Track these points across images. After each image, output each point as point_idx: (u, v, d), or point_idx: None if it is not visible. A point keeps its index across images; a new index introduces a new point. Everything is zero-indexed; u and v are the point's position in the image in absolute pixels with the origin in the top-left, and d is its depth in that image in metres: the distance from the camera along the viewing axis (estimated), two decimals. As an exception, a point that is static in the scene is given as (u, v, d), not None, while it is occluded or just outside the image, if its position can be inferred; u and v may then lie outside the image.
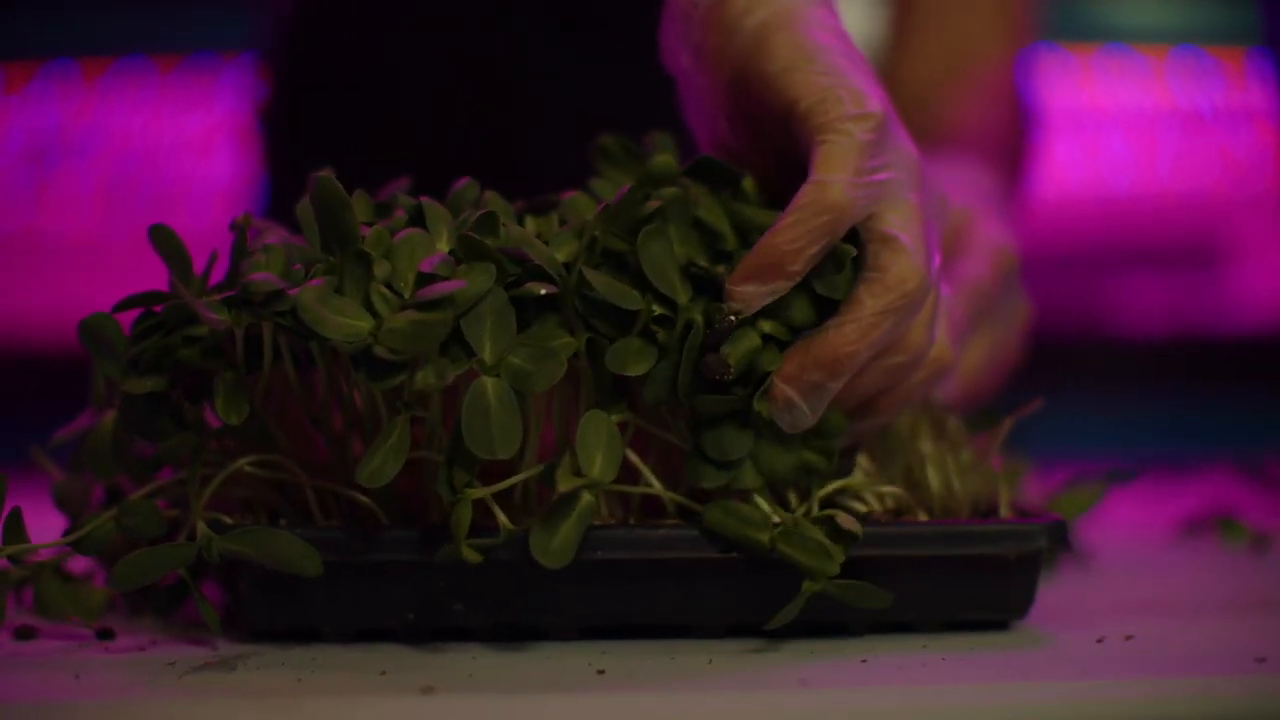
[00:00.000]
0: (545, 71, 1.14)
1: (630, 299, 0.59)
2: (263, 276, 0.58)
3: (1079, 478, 0.81)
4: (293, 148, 1.20)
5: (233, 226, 0.63)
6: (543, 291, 0.59)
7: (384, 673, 0.57)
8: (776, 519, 0.60)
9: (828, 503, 0.63)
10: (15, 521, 0.61)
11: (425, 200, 0.62)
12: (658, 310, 0.60)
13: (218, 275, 0.62)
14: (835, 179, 0.60)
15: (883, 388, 0.63)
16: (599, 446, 0.58)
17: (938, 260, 0.63)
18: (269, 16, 1.21)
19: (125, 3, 2.35)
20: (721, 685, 0.56)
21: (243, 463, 0.61)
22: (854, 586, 0.59)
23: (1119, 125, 2.49)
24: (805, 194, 0.60)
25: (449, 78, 1.14)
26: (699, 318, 0.60)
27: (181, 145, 2.40)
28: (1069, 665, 0.59)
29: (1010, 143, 1.08)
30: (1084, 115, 2.48)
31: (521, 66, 1.14)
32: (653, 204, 0.62)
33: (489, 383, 0.57)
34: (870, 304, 0.60)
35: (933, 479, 0.67)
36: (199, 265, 0.62)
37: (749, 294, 0.60)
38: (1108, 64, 2.48)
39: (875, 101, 0.61)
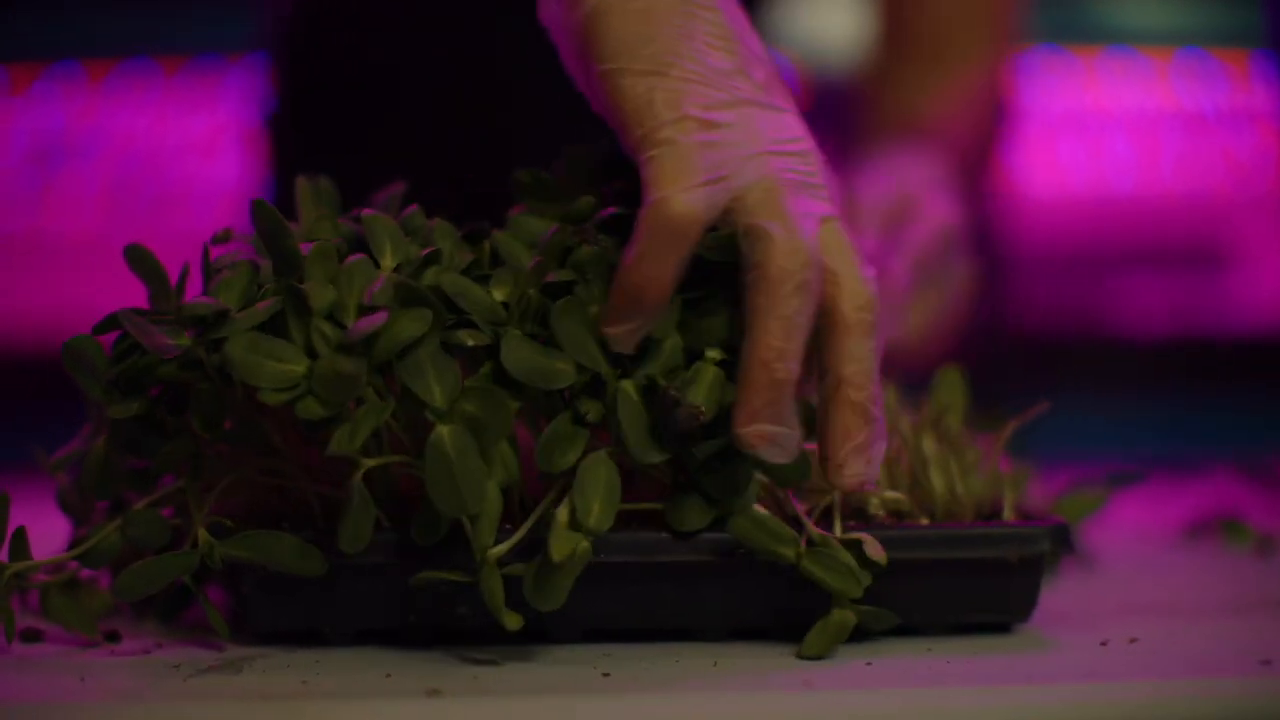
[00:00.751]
0: (545, 71, 1.14)
1: (557, 377, 0.58)
2: (206, 301, 0.57)
3: (1083, 480, 0.81)
4: (295, 149, 1.20)
5: (214, 240, 0.62)
6: (470, 344, 0.58)
7: (389, 675, 0.57)
8: (794, 529, 0.60)
9: (828, 509, 0.63)
10: (19, 540, 0.61)
11: (368, 214, 0.61)
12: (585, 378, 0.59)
13: (194, 289, 0.61)
14: (669, 193, 0.57)
15: (858, 399, 0.59)
16: (596, 495, 0.57)
17: (833, 207, 0.59)
18: (270, 17, 1.21)
19: (130, 4, 2.35)
20: (726, 687, 0.56)
21: (242, 469, 0.61)
22: (875, 613, 0.60)
23: (1122, 126, 2.49)
24: (644, 219, 0.57)
25: (449, 78, 1.14)
26: (629, 386, 0.58)
27: (185, 147, 2.41)
28: (1073, 668, 0.59)
29: (976, 142, 1.13)
30: (1087, 116, 2.48)
31: (521, 66, 1.14)
32: (567, 273, 0.60)
33: (445, 432, 0.56)
34: (766, 304, 0.57)
35: (936, 482, 0.67)
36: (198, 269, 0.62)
37: (621, 335, 0.58)
38: (1111, 65, 2.49)
39: (690, 103, 0.58)
